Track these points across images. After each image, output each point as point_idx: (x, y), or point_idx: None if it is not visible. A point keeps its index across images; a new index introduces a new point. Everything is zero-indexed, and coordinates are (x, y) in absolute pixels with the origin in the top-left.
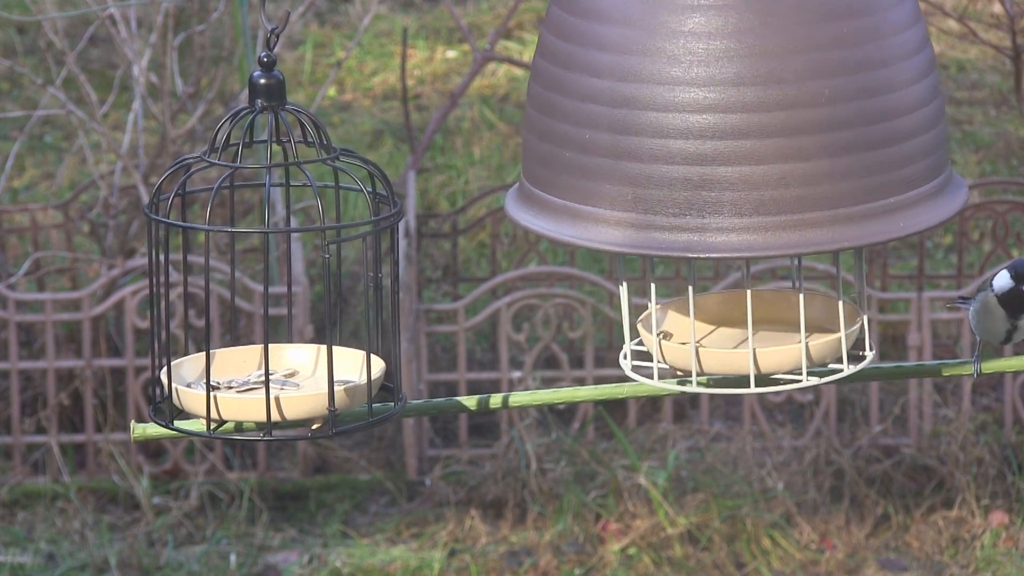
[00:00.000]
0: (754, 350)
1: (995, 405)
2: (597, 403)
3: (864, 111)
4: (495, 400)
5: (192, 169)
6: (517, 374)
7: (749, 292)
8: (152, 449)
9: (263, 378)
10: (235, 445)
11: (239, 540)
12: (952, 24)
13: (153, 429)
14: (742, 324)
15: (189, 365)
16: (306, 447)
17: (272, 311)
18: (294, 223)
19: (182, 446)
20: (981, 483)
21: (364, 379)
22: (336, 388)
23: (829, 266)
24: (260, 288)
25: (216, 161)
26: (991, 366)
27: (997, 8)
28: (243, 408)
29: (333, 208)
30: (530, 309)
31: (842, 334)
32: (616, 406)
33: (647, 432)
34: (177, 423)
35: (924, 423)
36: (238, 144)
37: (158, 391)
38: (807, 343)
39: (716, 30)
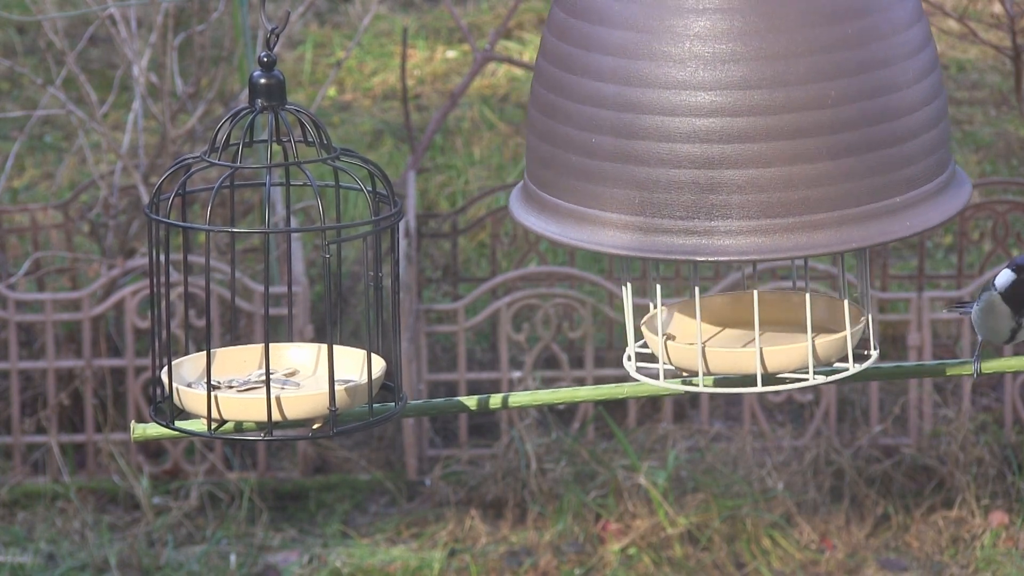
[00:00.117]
0: (761, 349)
1: (995, 405)
2: (597, 403)
3: (868, 111)
4: (495, 400)
5: (192, 169)
6: (517, 374)
7: (756, 292)
8: (152, 449)
9: (263, 377)
10: (235, 445)
11: (239, 540)
12: (952, 24)
13: (153, 429)
14: (744, 325)
15: (189, 365)
16: (306, 447)
17: (272, 311)
18: (294, 223)
19: (182, 446)
20: (981, 483)
21: (365, 378)
22: (337, 388)
23: (830, 266)
24: (260, 288)
25: (216, 161)
26: (991, 366)
27: (997, 8)
28: (244, 408)
29: (333, 208)
30: (530, 309)
31: (847, 332)
32: (616, 406)
33: (647, 432)
34: (178, 423)
35: (924, 423)
36: (238, 144)
37: (158, 391)
38: (815, 342)
39: (722, 33)
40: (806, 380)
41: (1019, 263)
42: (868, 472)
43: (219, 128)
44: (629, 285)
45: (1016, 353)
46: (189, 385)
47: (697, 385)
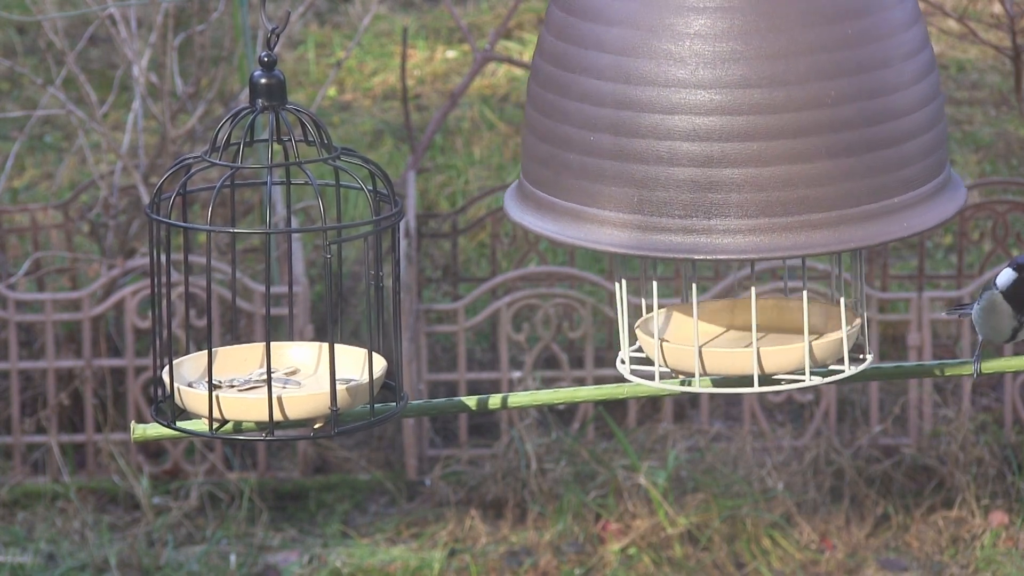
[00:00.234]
0: (758, 350)
1: (995, 405)
2: (597, 403)
3: (867, 112)
4: (494, 400)
5: (193, 169)
6: (517, 374)
7: (753, 289)
8: (152, 449)
9: (264, 376)
10: (235, 445)
11: (239, 540)
12: (952, 24)
13: (153, 429)
14: (739, 330)
15: (190, 364)
16: (306, 447)
17: (272, 311)
18: (295, 223)
19: (182, 446)
20: (981, 483)
21: (366, 378)
22: (338, 387)
23: (829, 266)
24: (260, 288)
25: (217, 161)
26: (991, 366)
27: (997, 8)
28: (246, 407)
29: (334, 208)
30: (530, 309)
31: (843, 333)
32: (616, 406)
33: (647, 432)
34: (179, 423)
35: (924, 423)
36: (238, 144)
37: (159, 390)
38: (811, 344)
39: (722, 32)
40: (803, 381)
41: (1020, 262)
42: (868, 472)
43: (219, 128)
44: (624, 283)
45: (1016, 353)
46: (190, 384)
47: (694, 385)
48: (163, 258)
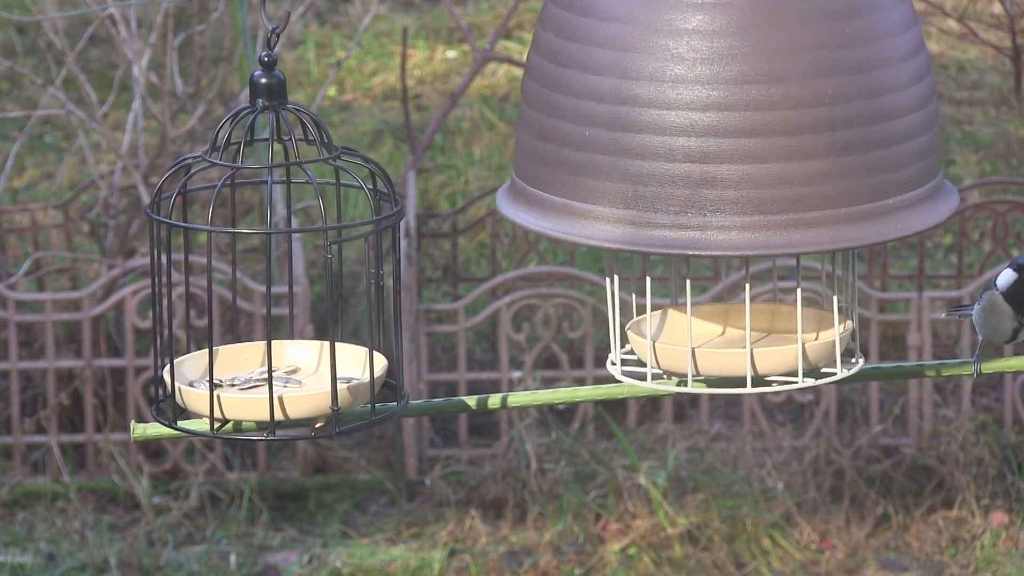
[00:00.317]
0: (751, 350)
1: (995, 405)
2: (597, 403)
3: (865, 111)
4: (494, 400)
5: (193, 169)
6: (517, 374)
7: (748, 286)
8: (152, 449)
9: (265, 375)
10: (235, 445)
11: (239, 540)
12: (952, 24)
13: (153, 429)
14: (731, 334)
15: (191, 363)
16: (306, 447)
17: (273, 311)
18: (295, 223)
19: (182, 446)
20: (981, 483)
21: (367, 376)
22: (340, 386)
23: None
24: (260, 288)
25: (217, 161)
26: (991, 366)
27: (997, 8)
28: (247, 407)
29: (334, 207)
30: (530, 309)
31: (836, 334)
32: (616, 406)
33: (647, 432)
34: (179, 423)
35: (924, 423)
36: (239, 144)
37: (160, 390)
38: (804, 345)
39: (720, 28)
40: (795, 383)
41: (1020, 263)
42: (868, 472)
43: (220, 128)
44: (616, 280)
45: (1016, 353)
46: (191, 384)
47: (687, 385)
48: (163, 258)
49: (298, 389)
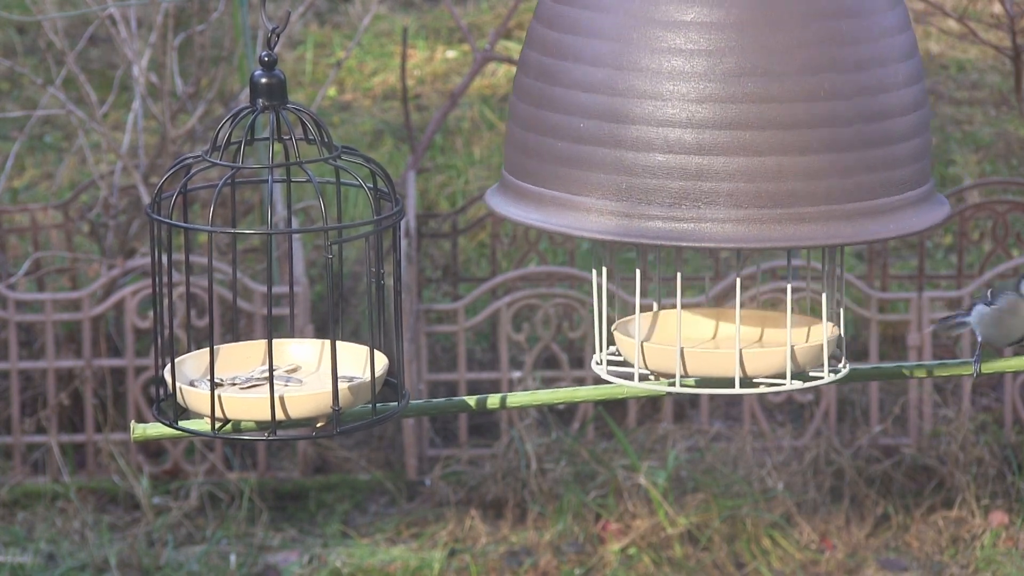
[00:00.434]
0: (740, 351)
1: (995, 405)
2: (597, 403)
3: (863, 109)
4: (494, 400)
5: (193, 169)
6: (517, 374)
7: (739, 281)
8: (152, 449)
9: (266, 373)
10: (235, 445)
11: (239, 540)
12: (952, 24)
13: (153, 429)
14: (721, 336)
15: (191, 362)
16: (306, 447)
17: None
18: (295, 223)
19: (182, 446)
20: (981, 483)
21: (368, 375)
22: (341, 386)
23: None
24: (260, 288)
25: (217, 161)
26: (991, 366)
27: (997, 8)
28: (248, 407)
29: (334, 207)
30: (530, 309)
31: (824, 336)
32: (616, 406)
33: (647, 432)
34: (180, 423)
35: (924, 423)
36: (239, 143)
37: (161, 390)
38: (793, 347)
39: (718, 21)
40: (783, 385)
41: None
42: (868, 472)
43: (220, 128)
44: (605, 275)
45: (1016, 353)
46: (192, 383)
47: (675, 385)
48: (164, 258)
49: (299, 388)
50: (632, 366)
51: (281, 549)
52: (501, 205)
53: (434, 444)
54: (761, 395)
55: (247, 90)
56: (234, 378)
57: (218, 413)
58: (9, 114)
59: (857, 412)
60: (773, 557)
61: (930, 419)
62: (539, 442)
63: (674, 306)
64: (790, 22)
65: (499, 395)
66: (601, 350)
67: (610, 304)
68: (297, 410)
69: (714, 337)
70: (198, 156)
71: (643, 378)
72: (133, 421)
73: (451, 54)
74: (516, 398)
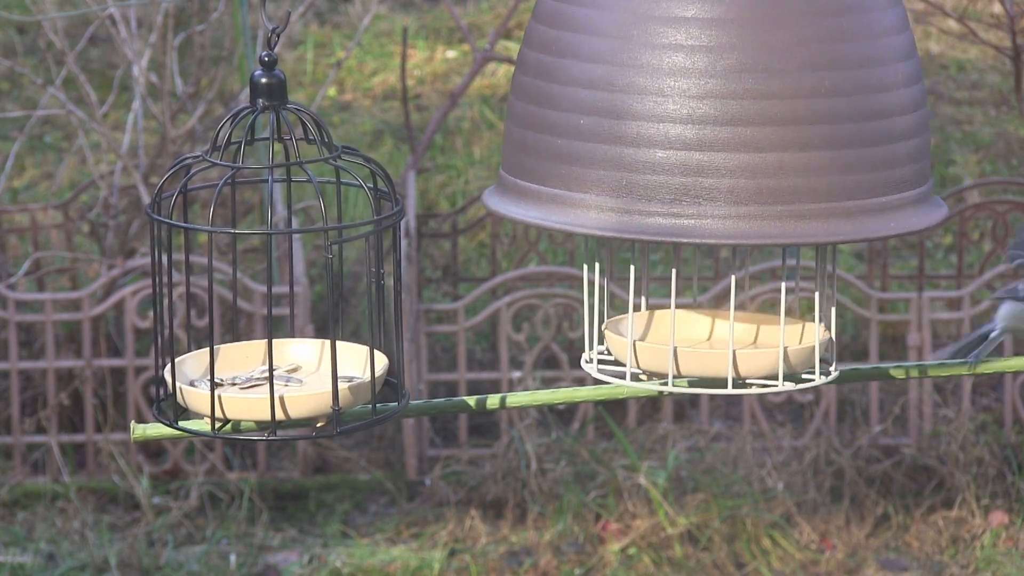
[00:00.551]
0: (734, 351)
1: (995, 405)
2: (597, 403)
3: (862, 106)
4: (494, 400)
5: (193, 169)
6: (517, 374)
7: (734, 278)
8: (152, 449)
9: (266, 373)
10: (235, 445)
11: (239, 540)
12: (952, 24)
13: (153, 429)
14: (715, 338)
15: (191, 362)
16: (306, 447)
17: (273, 311)
18: (295, 223)
19: (182, 446)
20: (981, 483)
21: (368, 375)
22: (341, 385)
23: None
24: (260, 288)
25: (217, 161)
26: (991, 366)
27: (997, 8)
28: (248, 407)
29: (334, 207)
30: (530, 309)
31: (816, 334)
32: (616, 406)
33: (647, 432)
34: (180, 423)
35: (924, 423)
36: (239, 143)
37: (161, 390)
38: (786, 349)
39: (719, 17)
40: (775, 386)
41: None
42: (868, 472)
43: (220, 128)
44: (598, 272)
45: (1016, 353)
46: (192, 383)
47: (668, 385)
48: (164, 258)
49: (299, 388)
50: (622, 365)
51: (281, 549)
52: (500, 204)
53: (434, 444)
54: (761, 395)
55: (247, 90)
56: (234, 378)
57: (218, 413)
58: (9, 114)
59: (857, 412)
60: (773, 557)
61: (930, 419)
62: (539, 442)
63: (668, 306)
64: (790, 19)
65: (499, 395)
66: (591, 348)
67: (610, 304)
68: (297, 410)
69: (709, 338)
70: (198, 156)
71: (635, 377)
72: (133, 421)
73: (451, 54)
74: (516, 398)
